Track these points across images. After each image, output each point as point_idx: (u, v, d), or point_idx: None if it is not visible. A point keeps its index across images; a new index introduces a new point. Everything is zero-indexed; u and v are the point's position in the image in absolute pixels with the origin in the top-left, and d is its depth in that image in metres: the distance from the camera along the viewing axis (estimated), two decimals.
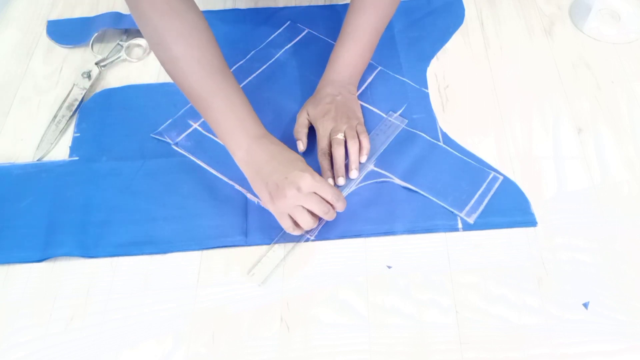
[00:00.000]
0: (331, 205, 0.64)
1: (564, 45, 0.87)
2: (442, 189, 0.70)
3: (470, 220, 0.68)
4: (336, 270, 0.66)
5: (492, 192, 0.70)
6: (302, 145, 0.73)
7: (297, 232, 0.65)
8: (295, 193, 0.61)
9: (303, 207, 0.62)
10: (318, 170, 0.70)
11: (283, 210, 0.63)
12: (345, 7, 0.92)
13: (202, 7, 0.94)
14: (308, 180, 0.61)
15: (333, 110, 0.72)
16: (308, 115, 0.74)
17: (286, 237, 0.67)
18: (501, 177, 0.71)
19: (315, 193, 0.62)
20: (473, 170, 0.72)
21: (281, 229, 0.67)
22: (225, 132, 0.66)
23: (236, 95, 0.66)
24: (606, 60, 0.84)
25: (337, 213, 0.68)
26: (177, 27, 0.64)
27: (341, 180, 0.69)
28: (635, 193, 0.71)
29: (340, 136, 0.70)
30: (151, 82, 0.84)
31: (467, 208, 0.69)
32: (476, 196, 0.70)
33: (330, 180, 0.69)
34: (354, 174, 0.70)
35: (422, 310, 0.63)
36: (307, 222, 0.63)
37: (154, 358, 0.60)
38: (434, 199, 0.70)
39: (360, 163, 0.71)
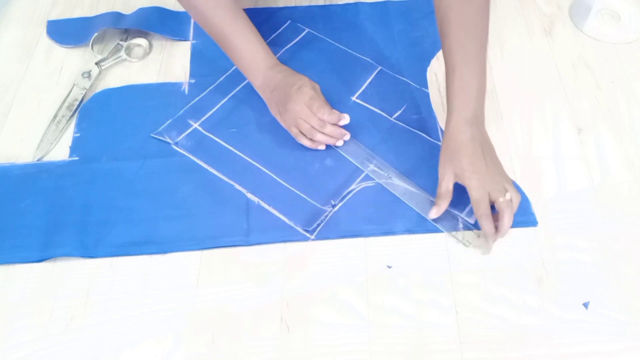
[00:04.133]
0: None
1: (564, 45, 0.87)
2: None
3: (471, 221, 0.68)
4: (336, 270, 0.66)
5: None
6: (435, 211, 0.67)
7: (303, 141, 0.74)
8: (294, 108, 0.72)
9: (304, 120, 0.72)
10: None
11: (288, 124, 0.74)
12: (345, 7, 0.92)
13: None
14: (307, 85, 0.72)
15: (482, 164, 0.64)
16: (454, 173, 0.66)
17: None
18: None
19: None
20: None
21: (279, 228, 0.68)
22: (243, 65, 0.76)
23: (250, 33, 0.75)
24: (606, 60, 0.84)
25: (337, 212, 0.69)
26: None
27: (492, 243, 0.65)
28: (635, 193, 0.71)
29: (508, 196, 0.64)
30: (151, 82, 0.84)
31: (467, 209, 0.69)
32: None
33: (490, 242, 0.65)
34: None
35: (422, 310, 0.63)
36: (307, 131, 0.73)
37: (154, 358, 0.60)
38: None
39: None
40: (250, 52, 0.75)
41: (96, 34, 0.89)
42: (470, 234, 0.67)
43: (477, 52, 0.67)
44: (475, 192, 0.64)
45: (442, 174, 0.67)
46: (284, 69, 0.75)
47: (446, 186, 0.66)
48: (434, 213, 0.67)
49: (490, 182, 0.64)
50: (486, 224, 0.64)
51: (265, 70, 0.75)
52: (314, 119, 0.72)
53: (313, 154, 0.74)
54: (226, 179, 0.73)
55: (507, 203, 0.63)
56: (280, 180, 0.72)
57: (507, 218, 0.63)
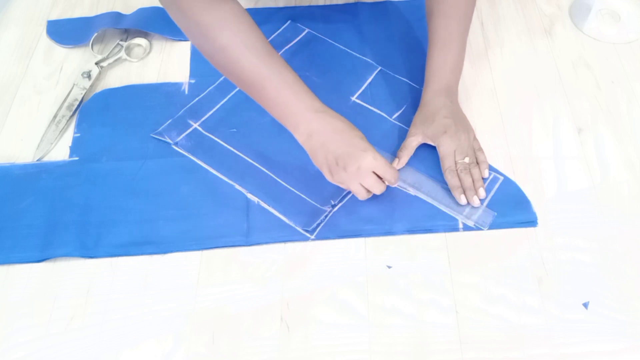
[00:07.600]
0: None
1: (564, 45, 0.87)
2: (443, 192, 0.70)
3: (470, 223, 0.68)
4: (336, 270, 0.66)
5: (492, 193, 0.70)
6: (397, 163, 0.71)
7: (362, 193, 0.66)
8: (355, 170, 0.64)
9: (360, 183, 0.65)
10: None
11: (341, 182, 0.66)
12: (345, 7, 0.92)
13: None
14: (369, 160, 0.64)
15: (452, 126, 0.70)
16: (424, 133, 0.72)
17: None
18: (501, 178, 0.71)
19: (373, 172, 0.64)
20: None
21: (279, 228, 0.68)
22: (283, 110, 0.65)
23: (288, 73, 0.66)
24: (606, 60, 0.84)
25: (337, 212, 0.69)
26: (219, 16, 0.64)
27: (476, 200, 0.68)
28: (635, 193, 0.71)
29: (467, 160, 0.70)
30: (151, 82, 0.84)
31: (467, 209, 0.69)
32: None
33: (463, 198, 0.68)
34: (482, 192, 0.69)
35: (422, 310, 0.63)
36: (362, 195, 0.66)
37: (154, 358, 0.60)
38: (435, 204, 0.69)
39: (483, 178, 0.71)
40: (288, 96, 0.65)
41: (96, 34, 0.89)
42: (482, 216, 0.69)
43: (458, 34, 0.74)
44: (443, 149, 0.70)
45: (411, 133, 0.73)
46: (330, 118, 0.65)
47: (410, 142, 0.72)
48: (395, 164, 0.71)
49: (458, 142, 0.70)
50: (450, 177, 0.69)
51: (310, 118, 0.65)
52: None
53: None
54: (226, 179, 0.73)
55: (465, 165, 0.69)
56: (280, 181, 0.72)
57: (466, 179, 0.69)
